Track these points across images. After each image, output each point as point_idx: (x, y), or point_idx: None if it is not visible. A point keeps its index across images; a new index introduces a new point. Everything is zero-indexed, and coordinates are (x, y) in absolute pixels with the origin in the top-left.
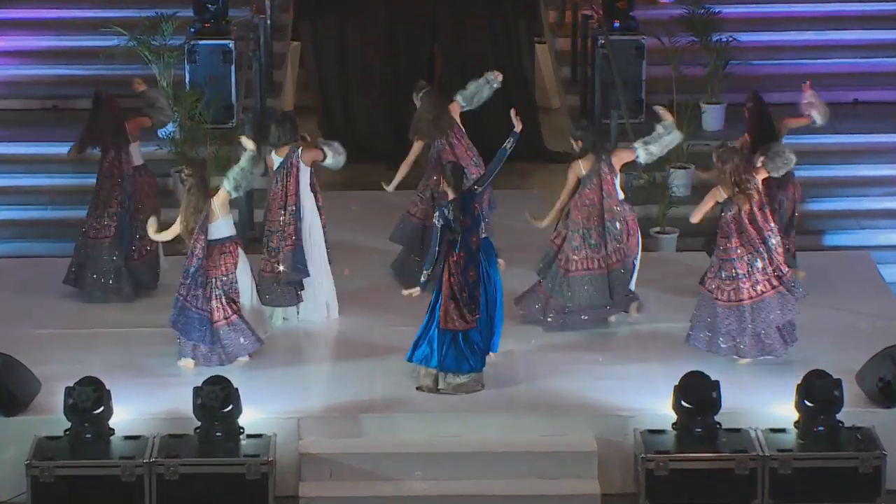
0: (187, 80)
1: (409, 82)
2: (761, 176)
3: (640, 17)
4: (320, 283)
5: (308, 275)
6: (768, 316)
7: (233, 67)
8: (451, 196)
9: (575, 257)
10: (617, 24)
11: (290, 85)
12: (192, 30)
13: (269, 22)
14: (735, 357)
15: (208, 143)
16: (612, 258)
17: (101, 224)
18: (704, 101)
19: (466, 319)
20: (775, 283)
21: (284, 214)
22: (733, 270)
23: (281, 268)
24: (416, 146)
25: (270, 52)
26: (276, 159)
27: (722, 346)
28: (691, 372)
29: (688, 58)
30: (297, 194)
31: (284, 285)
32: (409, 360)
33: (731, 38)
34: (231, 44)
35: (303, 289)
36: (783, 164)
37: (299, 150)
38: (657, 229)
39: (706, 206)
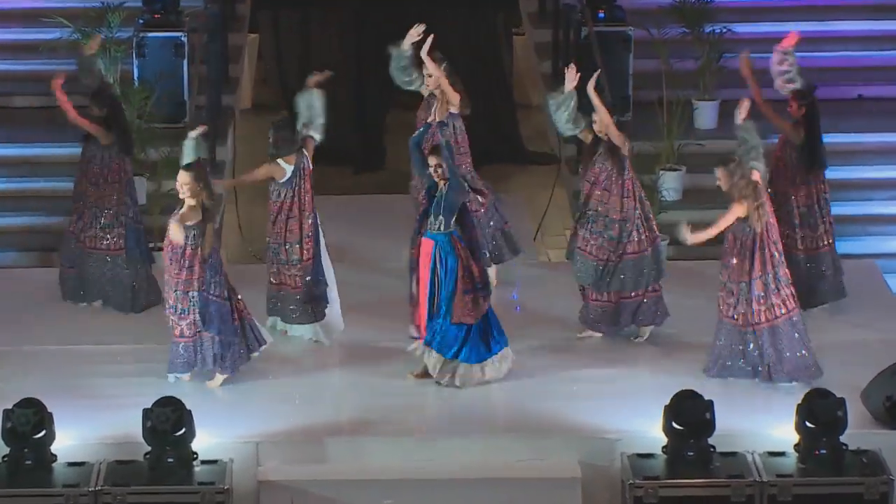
0: (136, 75)
1: (376, 78)
2: (756, 178)
3: (627, 7)
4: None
5: (327, 285)
6: (790, 342)
7: (185, 62)
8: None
9: (594, 242)
10: (602, 14)
11: (248, 80)
12: (141, 21)
13: (224, 12)
14: (759, 380)
15: (159, 145)
16: (637, 246)
17: (106, 234)
18: (696, 98)
19: (476, 313)
20: (791, 304)
21: (301, 224)
22: (750, 293)
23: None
24: (462, 97)
25: (226, 44)
26: (286, 167)
27: (745, 368)
28: (683, 391)
29: (679, 50)
30: (312, 201)
31: (304, 302)
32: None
33: (725, 29)
34: (183, 36)
35: (327, 304)
36: (756, 153)
37: (306, 154)
38: None
39: (727, 222)
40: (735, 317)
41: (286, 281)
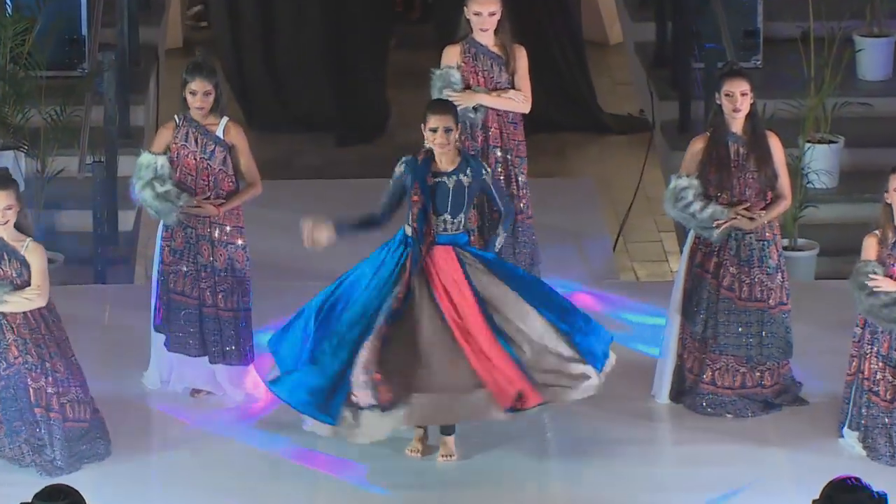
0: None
1: (363, 15)
2: None
3: None
4: None
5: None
6: None
7: None
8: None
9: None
10: None
11: (177, 8)
12: None
13: None
14: None
15: (43, 101)
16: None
17: None
18: (860, 33)
19: None
20: None
21: None
22: None
23: None
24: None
25: None
26: None
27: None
28: (841, 478)
29: None
30: None
31: None
32: None
33: None
34: None
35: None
36: None
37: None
38: (785, 243)
39: None
40: None
41: None
